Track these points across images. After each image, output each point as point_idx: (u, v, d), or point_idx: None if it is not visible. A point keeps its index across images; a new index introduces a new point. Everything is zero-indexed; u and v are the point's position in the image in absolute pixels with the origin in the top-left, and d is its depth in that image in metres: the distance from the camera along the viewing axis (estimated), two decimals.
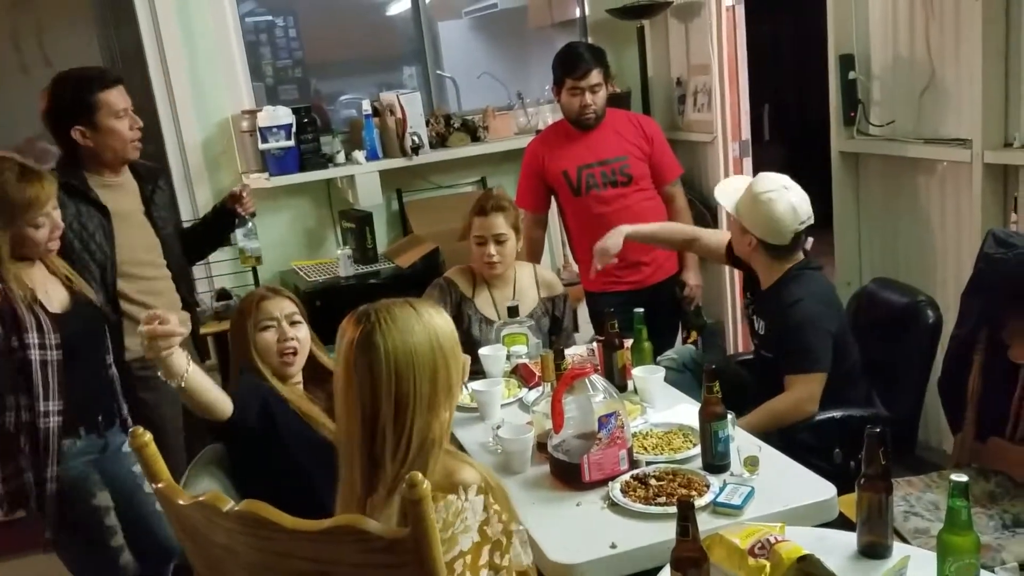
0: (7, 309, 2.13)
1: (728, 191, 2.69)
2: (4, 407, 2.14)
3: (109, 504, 2.33)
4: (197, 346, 2.98)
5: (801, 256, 2.63)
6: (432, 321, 1.53)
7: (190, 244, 2.95)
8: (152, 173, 2.83)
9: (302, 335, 2.18)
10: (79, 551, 2.34)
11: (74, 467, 2.28)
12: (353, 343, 1.50)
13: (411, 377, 1.48)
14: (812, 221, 2.58)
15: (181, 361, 1.84)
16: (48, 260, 2.32)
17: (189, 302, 2.90)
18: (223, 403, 1.95)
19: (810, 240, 3.98)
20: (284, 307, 2.18)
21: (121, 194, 2.68)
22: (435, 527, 1.19)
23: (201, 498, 1.35)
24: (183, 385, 1.86)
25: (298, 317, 2.19)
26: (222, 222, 2.98)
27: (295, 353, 2.16)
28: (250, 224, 3.00)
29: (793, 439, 2.33)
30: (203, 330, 3.37)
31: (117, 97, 2.58)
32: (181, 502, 1.40)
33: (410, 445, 1.48)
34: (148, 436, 1.48)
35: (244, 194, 2.90)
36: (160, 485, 1.44)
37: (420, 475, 1.18)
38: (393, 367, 1.47)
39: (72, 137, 2.55)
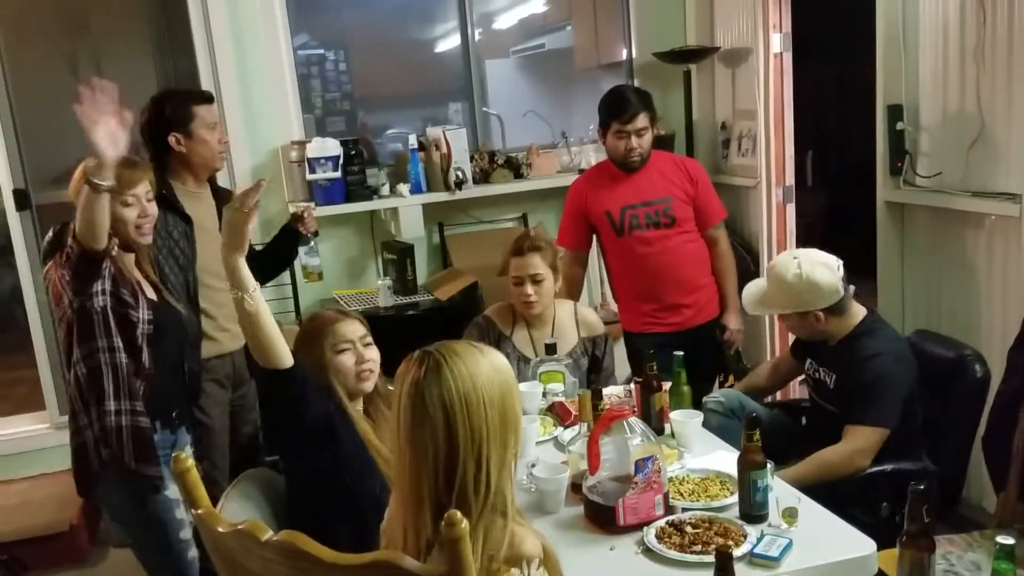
0: (119, 274, 2.27)
1: (757, 299, 2.71)
2: (96, 349, 2.24)
3: (179, 497, 2.35)
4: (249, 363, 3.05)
5: (863, 308, 2.63)
6: (491, 354, 1.53)
7: (259, 264, 2.98)
8: (229, 194, 2.95)
9: (375, 356, 2.23)
10: (149, 543, 2.40)
11: None
12: (420, 381, 1.46)
13: (483, 408, 1.45)
14: (841, 260, 2.59)
15: (250, 275, 1.94)
16: (143, 264, 2.43)
17: None
18: (283, 348, 1.97)
19: (851, 288, 3.95)
20: (357, 330, 2.22)
21: (201, 205, 2.83)
22: (472, 567, 1.18)
23: (240, 526, 1.35)
24: (250, 298, 1.91)
25: (370, 339, 2.24)
26: (287, 243, 3.09)
27: (374, 372, 2.21)
28: (312, 243, 3.12)
29: (838, 490, 2.29)
30: None
31: (210, 112, 2.83)
32: (220, 529, 1.41)
33: (490, 479, 1.44)
34: (190, 462, 1.50)
35: (306, 215, 3.01)
36: (199, 511, 1.45)
37: (459, 514, 1.18)
38: (465, 398, 1.44)
39: (168, 143, 2.76)
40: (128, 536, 2.47)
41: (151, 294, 2.41)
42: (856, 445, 2.44)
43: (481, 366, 1.48)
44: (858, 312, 2.62)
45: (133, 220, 2.32)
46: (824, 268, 2.54)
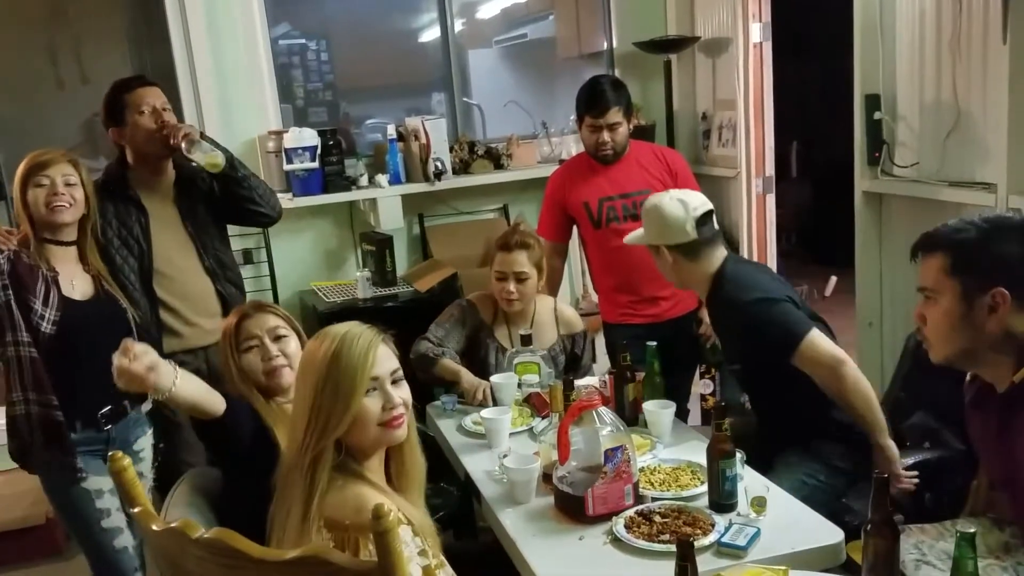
0: (23, 270, 2.30)
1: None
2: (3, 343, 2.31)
3: (104, 487, 2.39)
4: None
5: (722, 253, 2.50)
6: (345, 340, 1.56)
7: (224, 209, 2.85)
8: (194, 176, 2.82)
9: (291, 349, 2.10)
10: (71, 527, 2.48)
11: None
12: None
13: (301, 373, 1.58)
14: (709, 207, 2.47)
15: (166, 380, 1.83)
16: (90, 258, 2.46)
17: (230, 302, 2.78)
18: (213, 401, 1.92)
19: (833, 279, 3.93)
20: (266, 322, 2.11)
21: (160, 194, 2.74)
22: (403, 559, 1.17)
23: (173, 524, 1.35)
24: (167, 398, 1.85)
25: (284, 331, 2.13)
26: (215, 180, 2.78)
27: (285, 367, 2.08)
28: (199, 144, 2.64)
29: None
30: None
31: (142, 96, 2.68)
32: (155, 527, 1.41)
33: (318, 432, 1.52)
34: (127, 461, 1.50)
35: (165, 130, 2.63)
36: (136, 510, 1.44)
37: (385, 506, 1.17)
38: (304, 359, 1.59)
39: (114, 139, 2.72)
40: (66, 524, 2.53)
41: (79, 291, 2.40)
42: (823, 361, 2.28)
43: (330, 334, 1.57)
44: (716, 261, 2.46)
45: (41, 199, 2.34)
46: (678, 203, 2.44)
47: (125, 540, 2.44)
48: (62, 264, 2.40)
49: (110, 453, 1.54)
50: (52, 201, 2.35)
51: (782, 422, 2.51)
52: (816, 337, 2.31)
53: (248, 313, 2.14)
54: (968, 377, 1.96)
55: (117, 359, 1.77)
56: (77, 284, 2.41)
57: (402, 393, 1.60)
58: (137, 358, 1.77)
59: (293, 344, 2.12)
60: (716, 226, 2.51)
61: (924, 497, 2.38)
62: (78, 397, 2.36)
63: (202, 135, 2.71)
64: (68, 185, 2.38)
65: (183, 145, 2.62)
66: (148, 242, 2.68)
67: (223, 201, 2.80)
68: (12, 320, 2.28)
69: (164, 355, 2.64)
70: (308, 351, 1.59)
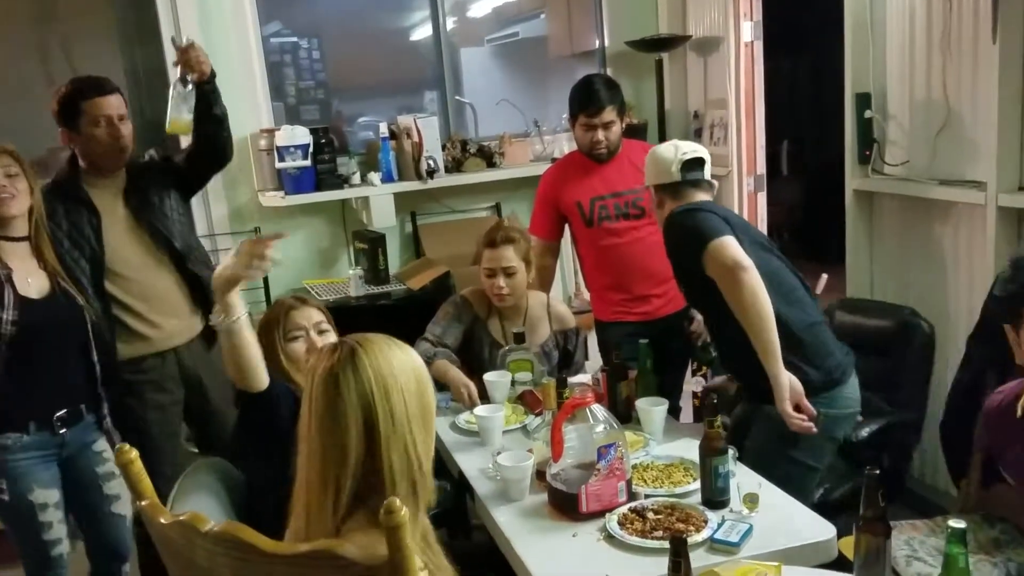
0: None
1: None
2: None
3: (49, 501, 2.38)
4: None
5: (703, 197, 2.50)
6: (406, 347, 1.50)
7: (192, 162, 2.86)
8: (142, 169, 2.83)
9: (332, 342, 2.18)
10: (15, 538, 2.43)
11: (14, 460, 2.33)
12: (334, 369, 1.42)
13: (401, 394, 1.41)
14: (699, 154, 2.51)
15: (240, 303, 1.90)
16: (44, 254, 2.42)
17: (204, 284, 2.73)
18: (262, 373, 1.98)
19: (824, 277, 3.95)
20: (312, 316, 2.23)
21: (111, 195, 2.72)
22: (413, 555, 1.17)
23: (181, 517, 1.34)
24: (233, 325, 1.88)
25: (326, 326, 2.25)
26: (201, 109, 2.74)
27: None
28: (189, 86, 2.66)
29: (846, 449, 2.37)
30: None
31: (100, 106, 2.64)
32: (162, 520, 1.39)
33: (419, 462, 1.41)
34: (134, 453, 1.48)
35: (191, 53, 2.66)
36: (144, 503, 1.43)
37: (397, 501, 1.17)
38: (384, 384, 1.40)
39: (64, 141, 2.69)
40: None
41: (35, 289, 2.36)
42: (723, 262, 2.21)
43: (397, 354, 1.45)
44: (693, 201, 2.48)
45: None
46: (671, 147, 2.52)
47: (61, 549, 2.43)
48: (16, 261, 2.36)
49: (117, 446, 1.53)
50: None
51: (735, 366, 2.57)
52: (727, 241, 2.24)
53: (294, 305, 2.25)
54: (1020, 409, 1.99)
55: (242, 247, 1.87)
56: (33, 281, 2.38)
57: None
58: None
59: (332, 338, 2.18)
60: (707, 176, 2.54)
61: (881, 458, 2.59)
62: (34, 397, 2.32)
63: (204, 83, 2.69)
64: (9, 176, 2.33)
65: (182, 79, 2.63)
66: (100, 243, 2.64)
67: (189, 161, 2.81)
68: None
69: (128, 360, 2.67)
70: (394, 373, 1.43)
